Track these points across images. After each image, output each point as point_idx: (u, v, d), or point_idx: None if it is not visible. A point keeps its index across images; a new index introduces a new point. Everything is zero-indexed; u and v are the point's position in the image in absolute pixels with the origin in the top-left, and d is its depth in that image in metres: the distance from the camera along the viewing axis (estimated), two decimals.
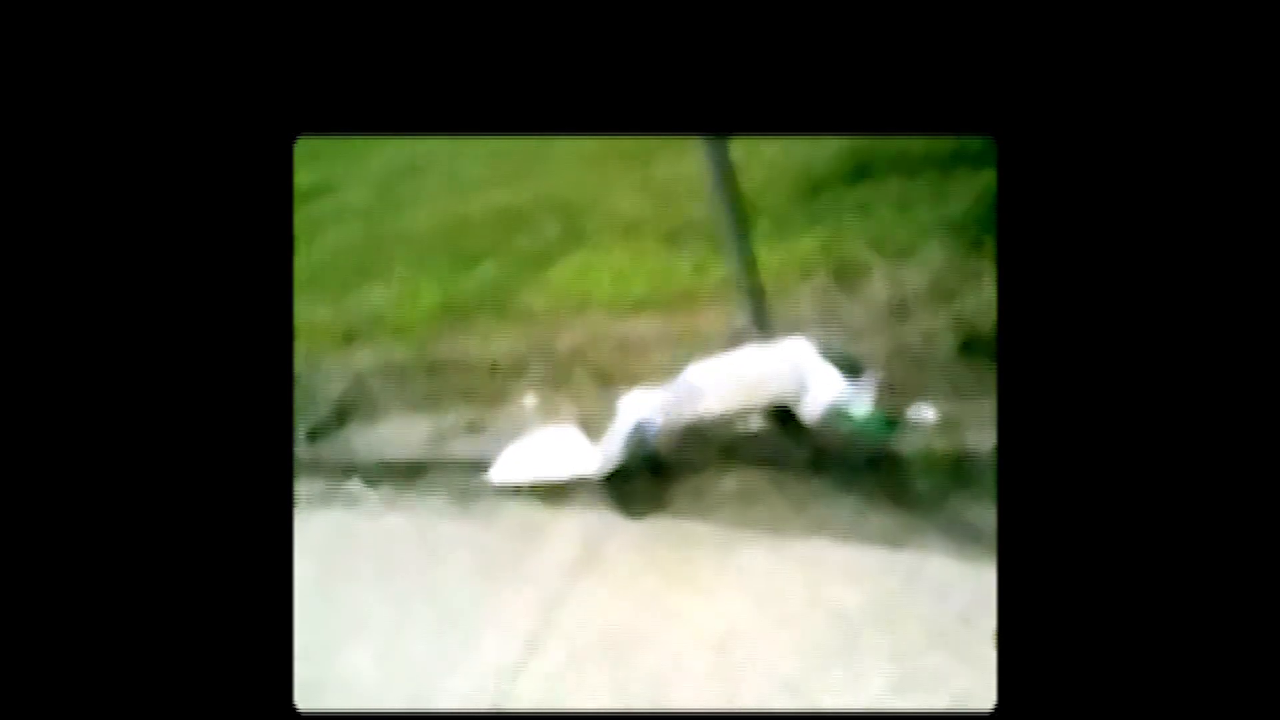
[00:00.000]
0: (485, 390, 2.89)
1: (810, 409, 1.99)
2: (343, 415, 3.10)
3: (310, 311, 3.75)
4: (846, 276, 2.65)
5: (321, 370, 3.38)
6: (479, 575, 2.18)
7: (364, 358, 3.40)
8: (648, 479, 2.19)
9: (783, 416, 2.09)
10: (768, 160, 3.45)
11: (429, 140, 5.35)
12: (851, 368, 1.98)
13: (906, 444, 1.99)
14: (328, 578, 2.35)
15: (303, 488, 2.82)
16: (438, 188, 5.04)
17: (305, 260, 4.32)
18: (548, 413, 2.63)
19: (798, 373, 2.00)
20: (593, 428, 2.31)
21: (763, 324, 2.29)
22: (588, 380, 2.70)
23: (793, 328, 2.22)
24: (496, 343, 3.11)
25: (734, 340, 2.22)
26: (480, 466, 2.46)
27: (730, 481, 2.16)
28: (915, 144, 3.07)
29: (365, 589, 2.29)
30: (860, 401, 1.93)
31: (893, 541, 1.82)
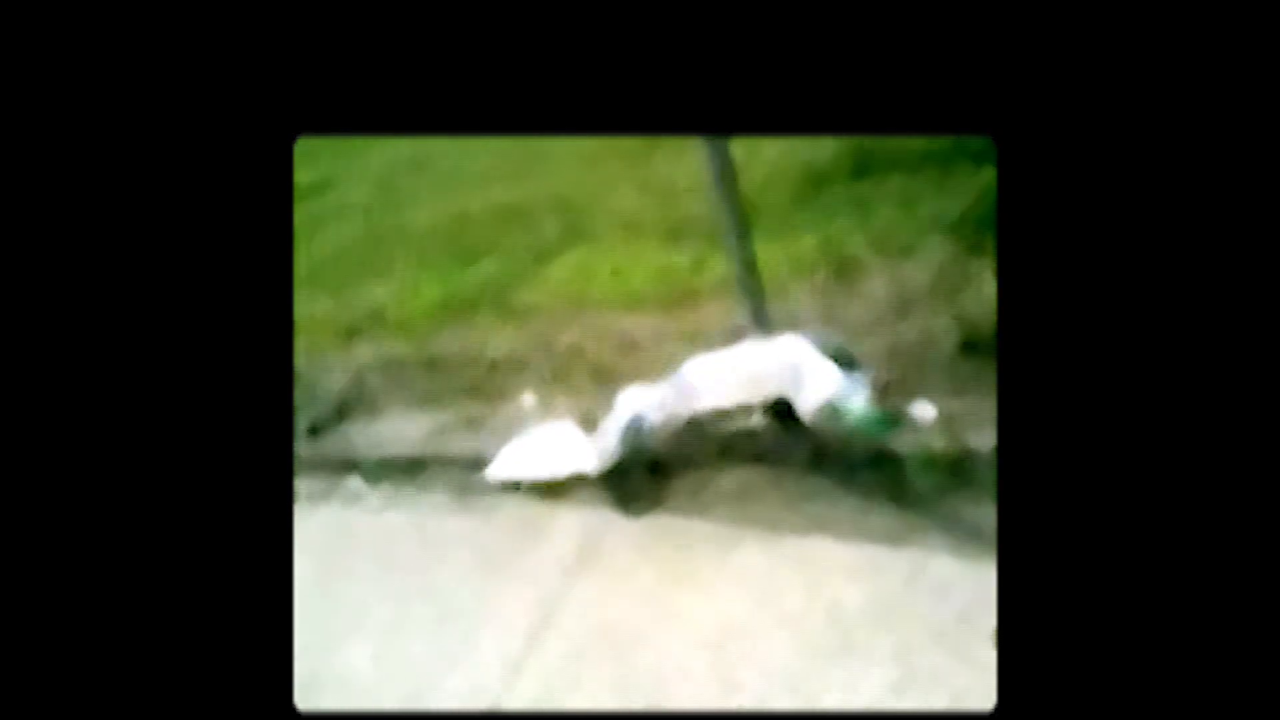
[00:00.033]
0: (485, 387, 2.89)
1: (806, 405, 1.98)
2: (343, 411, 3.11)
3: (311, 307, 3.76)
4: (846, 274, 2.65)
5: (322, 366, 3.38)
6: (478, 572, 2.18)
7: (364, 354, 3.40)
8: (646, 476, 2.19)
9: (782, 413, 2.09)
10: (768, 158, 3.45)
11: (429, 138, 5.34)
12: (848, 361, 1.98)
13: (906, 442, 1.98)
14: (327, 575, 2.35)
15: (302, 484, 2.82)
16: (438, 185, 5.03)
17: (306, 256, 4.32)
18: (547, 410, 2.63)
19: (794, 368, 1.99)
20: (592, 425, 2.32)
21: (762, 322, 2.29)
22: (587, 377, 2.70)
23: (792, 326, 2.21)
24: (496, 339, 3.11)
25: (733, 338, 2.22)
26: (479, 463, 2.46)
27: (729, 479, 2.16)
28: (916, 141, 3.06)
29: (364, 586, 2.29)
30: (856, 397, 1.93)
31: (892, 540, 1.82)
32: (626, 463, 2.16)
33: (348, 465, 2.84)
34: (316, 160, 5.66)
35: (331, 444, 2.98)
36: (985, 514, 1.76)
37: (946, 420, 1.99)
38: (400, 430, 2.89)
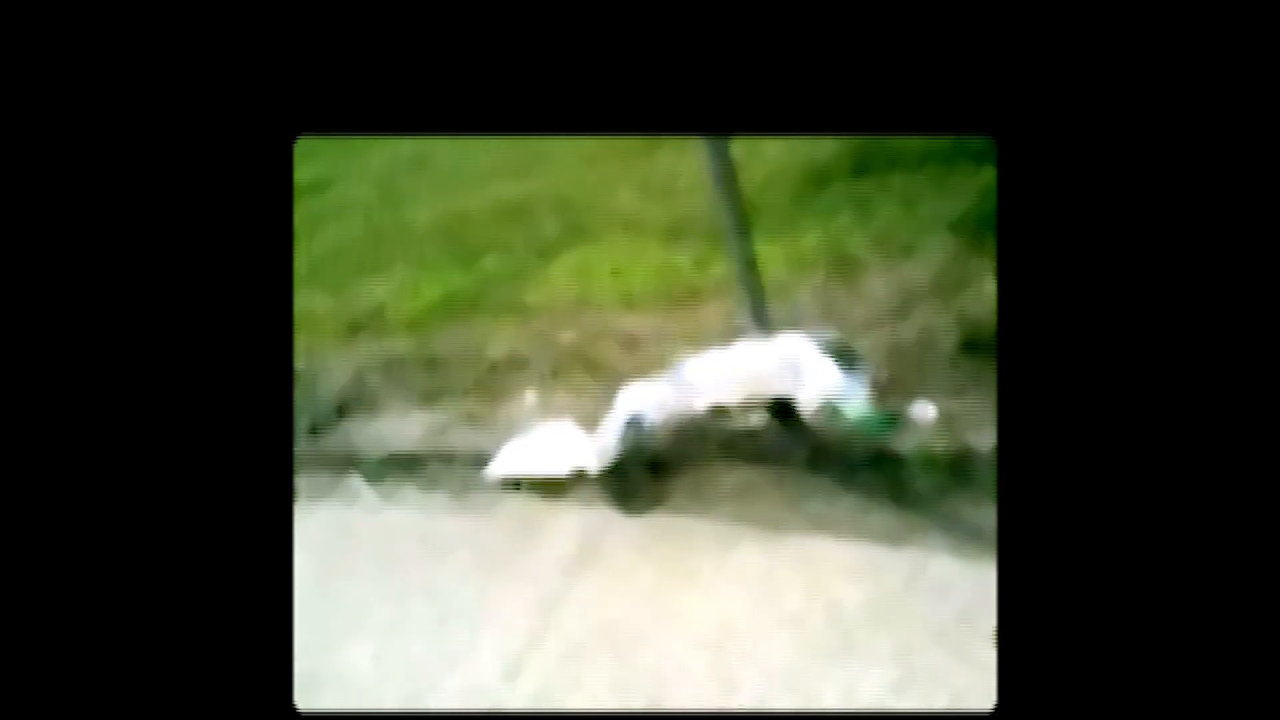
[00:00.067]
0: (485, 385, 2.89)
1: (806, 403, 1.98)
2: (343, 410, 3.10)
3: (311, 305, 3.75)
4: (847, 273, 2.64)
5: (322, 365, 3.38)
6: (478, 571, 2.18)
7: (365, 352, 3.39)
8: (646, 475, 2.19)
9: (782, 412, 2.09)
10: (769, 156, 3.45)
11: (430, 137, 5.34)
12: (848, 358, 1.97)
13: (906, 442, 1.99)
14: (326, 573, 2.35)
15: (302, 482, 2.82)
16: (439, 183, 5.03)
17: (306, 254, 4.31)
18: (547, 408, 2.63)
19: (794, 367, 1.99)
20: (592, 423, 2.32)
21: (763, 320, 2.29)
22: (587, 376, 2.70)
23: (793, 324, 2.21)
24: (497, 338, 3.10)
25: (734, 337, 2.22)
26: (480, 462, 2.46)
27: (729, 478, 2.16)
28: (917, 140, 3.06)
29: (364, 584, 2.29)
30: (855, 396, 1.93)
31: (892, 540, 1.82)
32: (626, 461, 2.16)
33: (348, 463, 2.84)
34: (317, 158, 5.65)
35: (332, 442, 2.98)
36: (985, 514, 1.76)
37: (946, 420, 1.99)
38: (400, 429, 2.89)
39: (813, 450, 2.08)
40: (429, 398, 2.96)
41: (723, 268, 2.58)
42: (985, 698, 1.38)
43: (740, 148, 2.18)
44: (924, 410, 2.03)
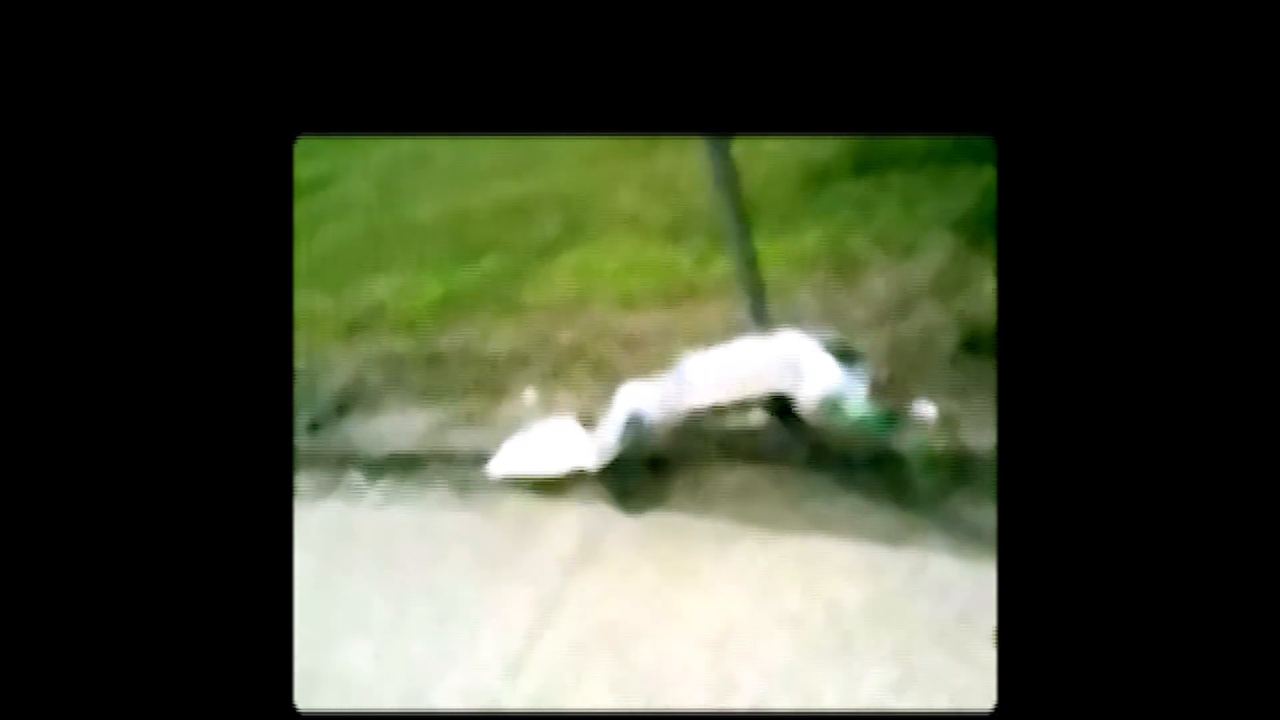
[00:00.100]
0: (486, 383, 2.89)
1: (806, 401, 1.98)
2: (343, 408, 3.10)
3: (311, 304, 3.75)
4: (847, 272, 2.64)
5: (322, 363, 3.38)
6: (478, 569, 2.18)
7: (365, 350, 3.39)
8: (646, 473, 2.19)
9: (782, 411, 2.09)
10: (769, 155, 3.44)
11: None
12: (848, 355, 1.97)
13: (906, 441, 1.98)
14: (326, 571, 2.35)
15: (303, 480, 2.82)
16: (439, 181, 5.02)
17: (307, 252, 4.31)
18: (548, 406, 2.63)
19: (794, 364, 1.99)
20: (592, 422, 2.32)
21: (763, 319, 2.29)
22: (588, 374, 2.70)
23: (793, 323, 2.21)
24: (497, 336, 3.10)
25: (734, 335, 2.22)
26: (480, 460, 2.46)
27: (729, 477, 2.16)
28: (917, 140, 3.06)
29: (364, 583, 2.29)
30: (855, 394, 1.93)
31: (892, 539, 1.82)
32: (626, 459, 2.16)
33: (348, 461, 2.84)
34: (317, 156, 5.65)
35: (332, 440, 2.98)
36: (985, 514, 1.76)
37: (946, 420, 1.99)
38: (401, 426, 2.88)
39: (812, 450, 2.07)
40: (429, 396, 2.96)
41: (723, 267, 2.58)
42: (985, 698, 1.38)
43: (741, 146, 2.17)
44: (924, 410, 2.03)
